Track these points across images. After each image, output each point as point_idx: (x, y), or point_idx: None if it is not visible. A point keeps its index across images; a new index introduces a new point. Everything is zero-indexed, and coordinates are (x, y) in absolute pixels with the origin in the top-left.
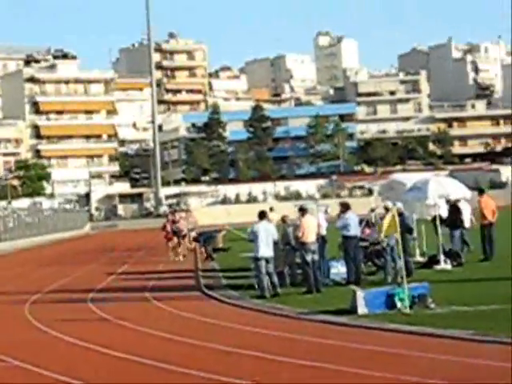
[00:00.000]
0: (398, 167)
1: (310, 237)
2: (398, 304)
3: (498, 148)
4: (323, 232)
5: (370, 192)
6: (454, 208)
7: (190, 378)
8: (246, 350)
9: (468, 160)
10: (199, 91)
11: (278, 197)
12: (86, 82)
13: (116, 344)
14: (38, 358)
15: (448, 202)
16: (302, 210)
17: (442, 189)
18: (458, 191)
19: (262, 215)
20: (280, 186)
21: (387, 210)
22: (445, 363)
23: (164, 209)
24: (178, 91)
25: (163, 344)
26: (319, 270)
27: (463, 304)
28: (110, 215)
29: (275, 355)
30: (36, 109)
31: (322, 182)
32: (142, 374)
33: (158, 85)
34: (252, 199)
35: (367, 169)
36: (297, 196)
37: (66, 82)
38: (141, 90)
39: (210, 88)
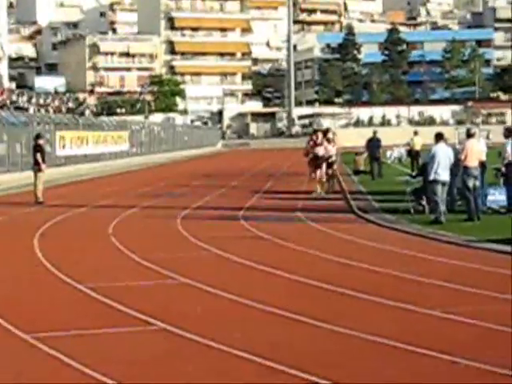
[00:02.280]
0: None
1: (473, 161)
2: None
3: None
4: (483, 157)
5: None
6: None
7: (372, 304)
8: (424, 277)
9: None
10: (334, 12)
11: (411, 121)
12: None
13: (283, 265)
14: (206, 277)
15: None
16: (469, 134)
17: None
18: None
19: (440, 137)
20: (414, 111)
21: None
22: None
23: (296, 129)
24: (313, 11)
25: (333, 267)
26: (479, 196)
27: None
28: (242, 134)
29: (457, 285)
30: (171, 24)
31: (456, 107)
32: (320, 298)
33: (294, 4)
34: (386, 122)
35: (503, 96)
36: (430, 121)
37: None
38: (275, 8)
39: (345, 9)
